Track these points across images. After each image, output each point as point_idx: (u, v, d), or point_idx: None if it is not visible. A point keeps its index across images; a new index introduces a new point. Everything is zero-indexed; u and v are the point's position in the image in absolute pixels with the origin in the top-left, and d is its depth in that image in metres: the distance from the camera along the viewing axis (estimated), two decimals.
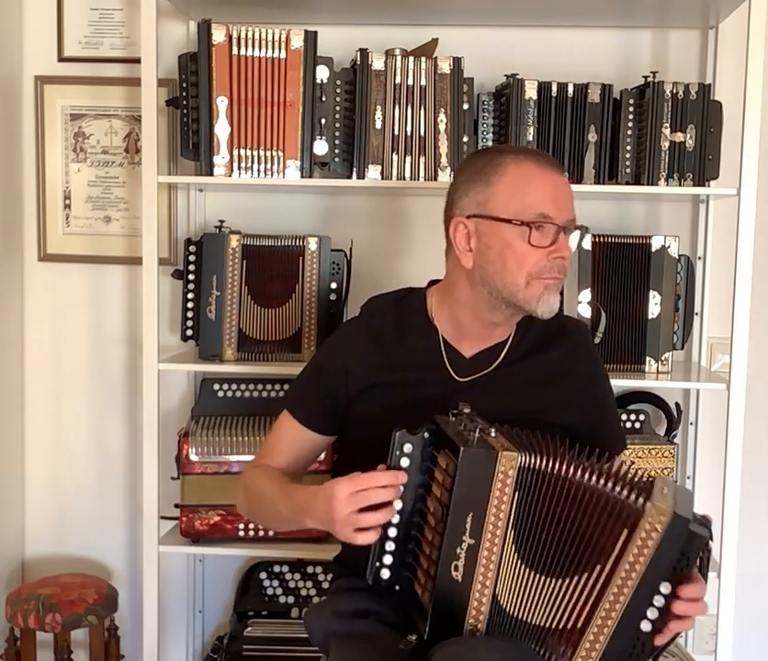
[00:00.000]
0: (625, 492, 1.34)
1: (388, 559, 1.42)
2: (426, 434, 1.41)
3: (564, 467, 1.38)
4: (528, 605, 1.40)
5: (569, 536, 1.37)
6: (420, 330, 1.64)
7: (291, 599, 2.38)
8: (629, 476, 1.37)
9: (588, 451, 1.40)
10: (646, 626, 1.34)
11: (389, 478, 1.38)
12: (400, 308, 1.67)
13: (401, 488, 1.39)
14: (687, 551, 1.31)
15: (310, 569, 2.39)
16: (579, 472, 1.37)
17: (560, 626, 1.38)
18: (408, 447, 1.40)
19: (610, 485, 1.35)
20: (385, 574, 1.43)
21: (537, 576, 1.39)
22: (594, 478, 1.36)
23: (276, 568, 2.39)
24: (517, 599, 1.40)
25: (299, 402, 1.70)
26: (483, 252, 1.54)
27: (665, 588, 1.32)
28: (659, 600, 1.32)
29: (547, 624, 1.39)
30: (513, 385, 1.61)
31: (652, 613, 1.33)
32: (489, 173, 1.54)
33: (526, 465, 1.37)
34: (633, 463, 2.16)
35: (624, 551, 1.33)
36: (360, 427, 1.64)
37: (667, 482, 1.37)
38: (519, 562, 1.39)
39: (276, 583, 2.39)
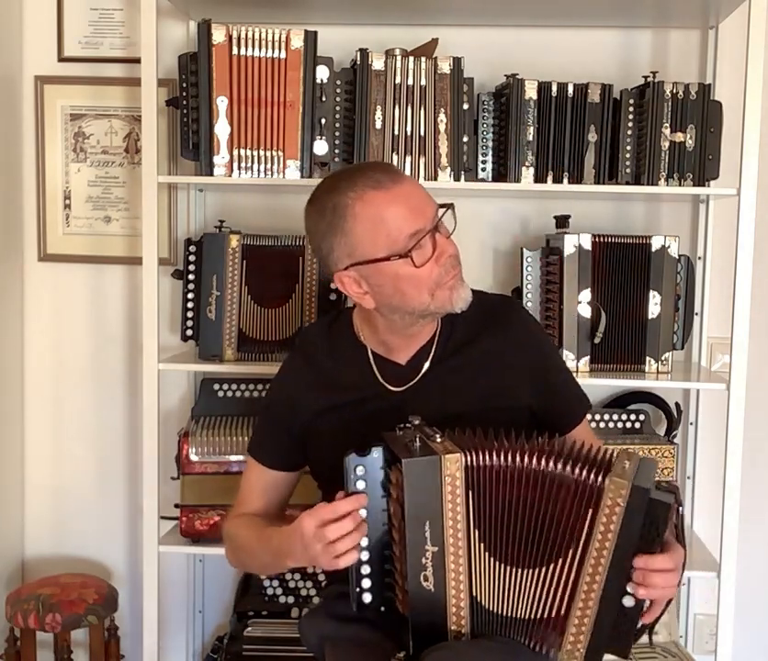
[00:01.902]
0: (585, 472, 1.35)
1: (366, 583, 1.42)
2: (376, 454, 1.40)
3: (514, 458, 1.37)
4: (510, 600, 1.40)
5: (537, 524, 1.37)
6: (351, 351, 1.64)
7: (291, 599, 2.37)
8: (587, 454, 1.37)
9: (543, 433, 1.41)
10: (629, 602, 1.34)
11: (349, 505, 1.38)
12: (331, 333, 1.67)
13: (365, 512, 1.39)
14: (653, 519, 1.31)
15: (310, 569, 2.38)
16: (533, 460, 1.37)
17: (545, 615, 1.38)
18: (360, 470, 1.40)
19: (569, 468, 1.36)
20: (367, 598, 1.43)
21: (513, 569, 1.39)
22: (552, 463, 1.36)
23: None
24: (497, 596, 1.40)
25: (259, 446, 1.71)
26: (378, 292, 1.52)
27: (640, 561, 1.32)
28: (637, 576, 1.32)
29: (532, 615, 1.39)
30: (453, 379, 1.59)
31: (632, 588, 1.33)
32: (340, 223, 1.49)
33: (473, 464, 1.37)
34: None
35: (592, 530, 1.34)
36: (316, 454, 1.65)
37: (631, 456, 1.38)
38: (492, 559, 1.39)
39: (276, 583, 2.38)
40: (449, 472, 1.35)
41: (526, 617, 1.40)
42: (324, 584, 2.25)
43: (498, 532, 1.38)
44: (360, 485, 1.39)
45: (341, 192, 1.50)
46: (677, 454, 2.20)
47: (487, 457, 1.37)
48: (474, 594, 1.39)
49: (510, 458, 1.37)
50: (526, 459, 1.37)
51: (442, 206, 1.53)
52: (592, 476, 1.34)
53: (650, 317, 2.16)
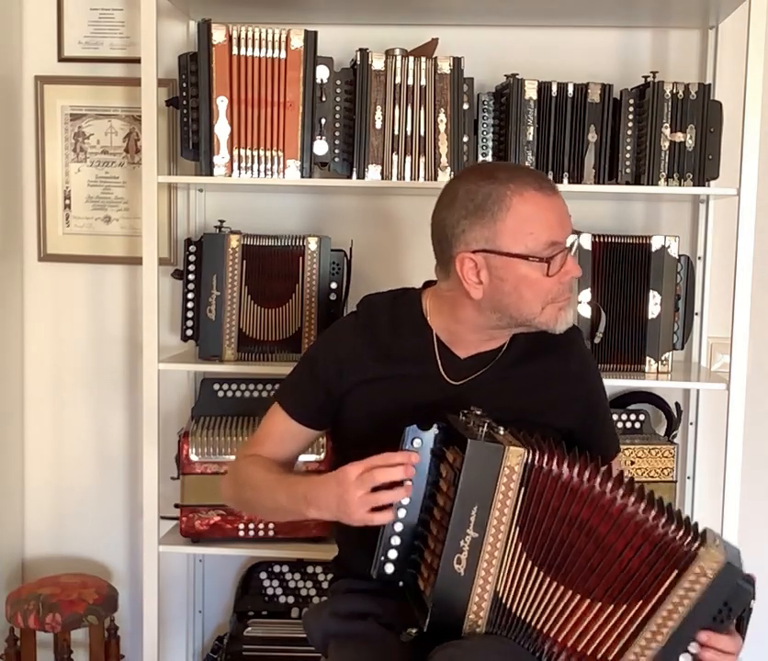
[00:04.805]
0: (680, 532, 1.34)
1: (392, 554, 1.44)
2: (437, 430, 1.42)
3: (585, 475, 1.37)
4: (536, 606, 1.39)
5: (601, 555, 1.36)
6: (415, 329, 1.63)
7: (291, 599, 2.38)
8: (678, 514, 1.36)
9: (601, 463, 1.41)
10: None
11: (401, 457, 1.39)
12: (395, 307, 1.66)
13: (414, 471, 1.40)
14: (731, 603, 1.32)
15: (310, 569, 2.39)
16: (609, 485, 1.36)
17: (589, 650, 1.37)
18: (417, 442, 1.41)
19: (663, 520, 1.34)
20: (389, 568, 1.44)
21: (550, 579, 1.38)
22: (642, 506, 1.35)
23: (276, 568, 2.39)
24: (523, 598, 1.40)
25: (290, 396, 1.69)
26: (497, 286, 1.52)
27: (703, 636, 1.32)
28: (694, 647, 1.33)
29: (559, 637, 1.38)
30: (505, 388, 1.60)
31: (685, 659, 1.33)
32: (492, 209, 1.49)
33: (533, 463, 1.37)
34: (633, 463, 2.16)
35: (669, 591, 1.33)
36: (353, 423, 1.64)
37: (715, 533, 1.37)
38: (531, 563, 1.39)
39: (276, 583, 2.39)
40: (509, 464, 1.36)
41: (550, 632, 1.39)
42: (331, 579, 2.24)
43: (543, 538, 1.38)
44: (413, 458, 1.40)
45: (500, 182, 1.51)
46: (677, 454, 2.20)
47: (546, 459, 1.37)
48: (497, 589, 1.39)
49: (577, 473, 1.37)
50: (601, 485, 1.37)
51: (573, 232, 1.56)
52: (688, 538, 1.33)
53: (650, 317, 2.16)
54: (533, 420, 1.55)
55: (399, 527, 1.43)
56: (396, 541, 1.43)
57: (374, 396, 1.60)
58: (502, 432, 1.41)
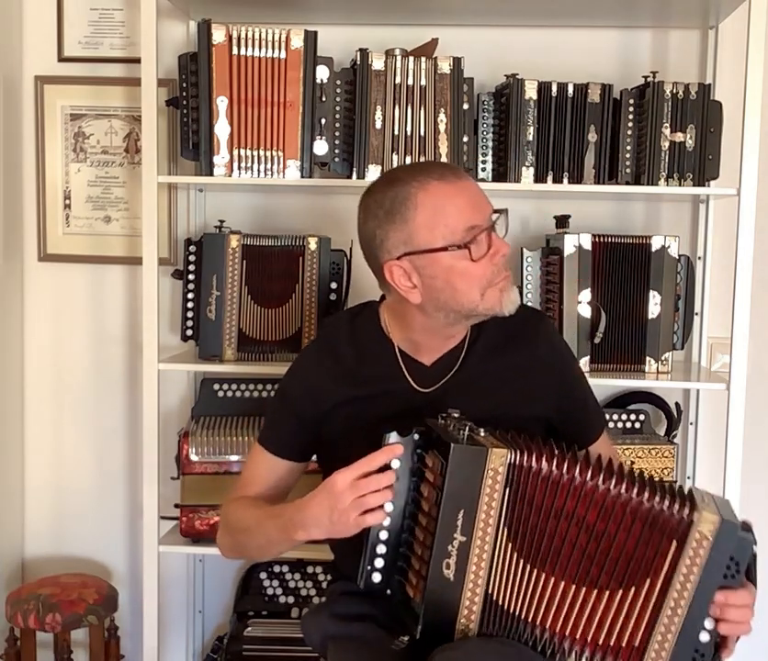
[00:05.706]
0: (666, 502, 1.33)
1: (379, 563, 1.42)
2: (416, 436, 1.41)
3: (565, 467, 1.36)
4: (536, 603, 1.38)
5: (596, 543, 1.35)
6: (377, 345, 1.63)
7: (291, 599, 2.38)
8: (663, 484, 1.35)
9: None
10: (705, 637, 1.33)
11: (383, 455, 1.38)
12: (355, 325, 1.66)
13: (396, 478, 1.39)
14: (737, 557, 1.31)
15: (310, 569, 2.39)
16: (589, 477, 1.36)
17: (611, 640, 1.36)
18: (399, 449, 1.39)
19: (646, 495, 1.33)
20: (376, 578, 1.43)
21: (546, 575, 1.37)
22: (623, 485, 1.34)
23: (276, 568, 2.39)
24: (519, 596, 1.39)
25: (269, 433, 1.69)
26: (429, 285, 1.51)
27: (720, 596, 1.32)
28: (714, 610, 1.32)
29: (576, 632, 1.37)
30: (478, 386, 1.59)
31: (710, 623, 1.33)
32: (400, 210, 1.49)
33: (516, 463, 1.36)
34: (633, 463, 2.16)
35: (675, 565, 1.32)
36: (332, 447, 1.63)
37: (702, 492, 1.37)
38: (522, 560, 1.38)
39: (276, 583, 2.39)
40: (493, 466, 1.35)
41: (560, 628, 1.38)
42: (329, 580, 2.24)
43: (532, 535, 1.37)
44: (395, 464, 1.39)
45: (403, 182, 1.51)
46: (677, 454, 2.20)
47: (534, 459, 1.37)
48: (489, 591, 1.39)
49: (557, 466, 1.37)
50: (581, 474, 1.36)
51: (497, 210, 1.54)
52: (677, 506, 1.32)
53: (650, 317, 2.16)
54: (509, 415, 1.54)
55: (384, 535, 1.41)
56: (382, 549, 1.42)
57: (349, 418, 1.59)
58: (482, 433, 1.40)
